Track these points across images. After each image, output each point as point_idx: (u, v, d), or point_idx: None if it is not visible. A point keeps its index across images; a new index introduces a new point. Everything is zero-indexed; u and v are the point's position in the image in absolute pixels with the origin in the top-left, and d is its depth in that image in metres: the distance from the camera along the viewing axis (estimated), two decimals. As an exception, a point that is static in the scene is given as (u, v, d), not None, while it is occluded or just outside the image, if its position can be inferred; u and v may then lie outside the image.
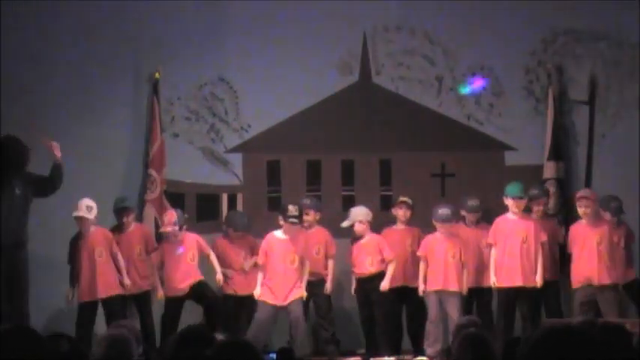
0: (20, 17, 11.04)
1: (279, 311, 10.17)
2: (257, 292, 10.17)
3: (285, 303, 10.12)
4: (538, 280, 10.16)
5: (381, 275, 10.41)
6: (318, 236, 10.59)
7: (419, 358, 10.13)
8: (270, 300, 10.14)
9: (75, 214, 10.14)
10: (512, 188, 10.32)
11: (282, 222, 10.22)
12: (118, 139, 11.26)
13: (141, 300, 10.52)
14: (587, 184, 11.18)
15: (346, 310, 11.00)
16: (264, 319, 10.12)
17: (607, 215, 10.38)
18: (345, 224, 10.53)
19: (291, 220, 10.14)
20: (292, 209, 10.17)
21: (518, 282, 10.19)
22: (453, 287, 10.26)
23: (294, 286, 10.17)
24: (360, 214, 10.51)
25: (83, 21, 11.17)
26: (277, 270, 10.17)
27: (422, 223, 10.68)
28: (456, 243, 10.37)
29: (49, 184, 9.75)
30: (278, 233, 10.26)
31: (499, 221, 10.34)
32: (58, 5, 11.14)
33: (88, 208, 10.16)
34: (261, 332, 10.05)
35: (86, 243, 10.20)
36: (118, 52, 11.20)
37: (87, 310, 10.17)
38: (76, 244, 10.24)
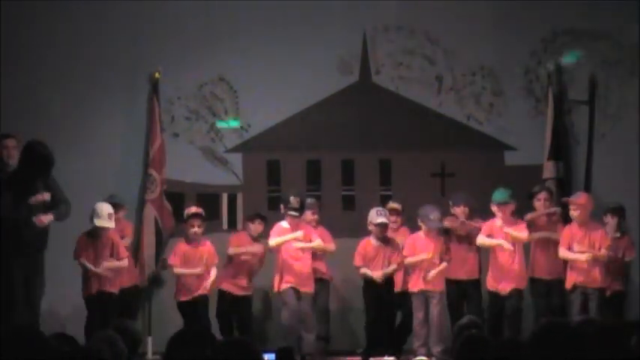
0: (20, 17, 11.04)
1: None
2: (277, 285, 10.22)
3: (305, 289, 10.13)
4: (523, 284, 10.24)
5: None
6: (321, 235, 10.59)
7: (418, 358, 10.14)
8: (294, 285, 10.13)
9: (97, 222, 10.07)
10: (496, 195, 10.27)
11: (282, 211, 10.25)
12: (117, 139, 11.27)
13: (129, 295, 10.54)
14: (587, 184, 11.17)
15: (345, 310, 11.00)
16: (295, 304, 10.10)
17: (610, 222, 10.43)
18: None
19: (291, 213, 10.15)
20: (294, 201, 10.18)
21: (505, 289, 10.19)
22: (438, 287, 10.26)
23: (310, 272, 10.20)
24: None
25: (83, 21, 11.17)
26: (292, 257, 10.17)
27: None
28: (439, 243, 10.35)
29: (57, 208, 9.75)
30: (284, 224, 10.27)
31: (489, 226, 10.32)
32: (58, 5, 11.15)
33: (109, 216, 10.11)
34: (296, 320, 10.06)
35: (100, 246, 10.21)
36: (117, 52, 11.20)
37: (96, 304, 10.18)
38: (86, 244, 10.23)
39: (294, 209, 10.16)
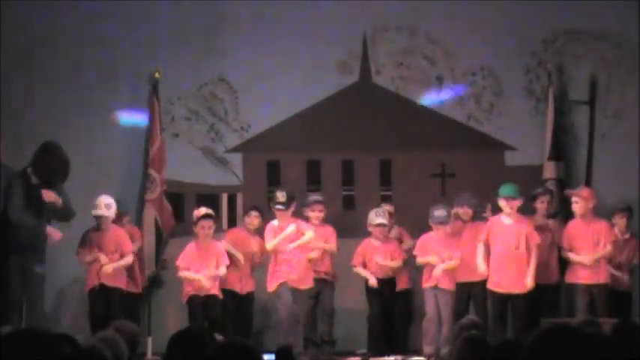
0: (20, 18, 11.04)
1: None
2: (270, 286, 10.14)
3: (300, 286, 10.08)
4: (528, 282, 9.98)
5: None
6: (325, 233, 10.57)
7: (415, 358, 10.15)
8: (288, 282, 10.06)
9: (94, 212, 10.13)
10: (504, 188, 10.19)
11: (273, 209, 10.20)
12: (117, 139, 11.26)
13: (132, 299, 10.55)
14: (587, 184, 11.17)
15: (346, 311, 11.00)
16: (290, 300, 10.00)
17: (619, 223, 10.42)
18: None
19: (277, 206, 10.06)
20: (280, 196, 10.09)
21: (509, 289, 10.11)
22: (448, 286, 10.25)
23: (306, 271, 10.13)
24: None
25: (83, 21, 11.18)
26: (284, 256, 10.10)
27: (422, 224, 10.63)
28: (450, 243, 10.34)
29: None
30: (275, 222, 10.23)
31: (493, 221, 10.25)
32: (58, 6, 11.15)
33: (106, 205, 10.16)
34: (293, 315, 10.00)
35: (104, 240, 10.22)
36: (117, 52, 11.20)
37: (98, 298, 10.20)
38: (90, 238, 10.24)
39: (280, 203, 10.08)
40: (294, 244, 10.06)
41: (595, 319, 7.89)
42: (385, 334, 10.56)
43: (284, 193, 10.09)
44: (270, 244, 10.10)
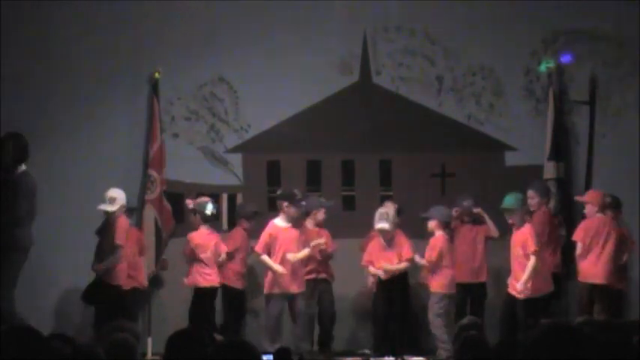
0: (20, 18, 11.03)
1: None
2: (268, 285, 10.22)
3: (294, 291, 10.10)
4: (518, 287, 9.89)
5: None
6: (323, 235, 10.59)
7: (416, 358, 10.14)
8: (278, 291, 10.11)
9: (99, 207, 10.17)
10: (509, 199, 10.20)
11: (286, 208, 10.21)
12: (117, 139, 11.26)
13: (133, 296, 10.57)
14: (587, 184, 11.17)
15: (346, 311, 11.00)
16: (277, 313, 10.10)
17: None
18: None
19: (302, 203, 10.23)
20: (298, 192, 10.24)
21: (512, 290, 10.12)
22: (434, 288, 10.26)
23: (301, 275, 10.17)
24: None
25: (83, 21, 11.16)
26: (285, 258, 10.15)
27: (422, 224, 10.65)
28: (436, 242, 10.34)
29: None
30: (279, 222, 10.24)
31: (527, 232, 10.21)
32: (58, 5, 11.14)
33: (110, 200, 10.19)
34: (277, 327, 10.04)
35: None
36: (117, 52, 11.19)
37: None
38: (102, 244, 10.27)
39: (301, 200, 10.24)
40: (297, 256, 10.10)
41: (595, 319, 7.90)
42: (391, 335, 10.54)
43: (298, 191, 10.23)
44: (262, 257, 10.15)
